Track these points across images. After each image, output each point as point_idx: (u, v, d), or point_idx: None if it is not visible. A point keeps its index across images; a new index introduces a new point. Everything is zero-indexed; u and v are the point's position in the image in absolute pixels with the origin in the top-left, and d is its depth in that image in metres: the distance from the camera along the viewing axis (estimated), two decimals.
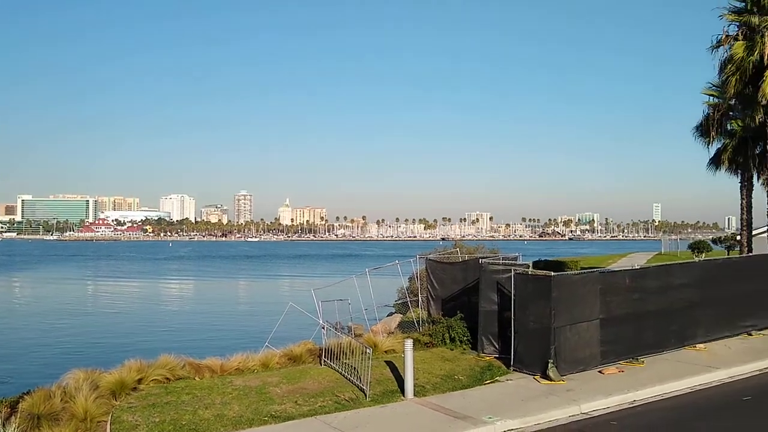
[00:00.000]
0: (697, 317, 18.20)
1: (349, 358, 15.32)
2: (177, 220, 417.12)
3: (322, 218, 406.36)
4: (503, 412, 12.26)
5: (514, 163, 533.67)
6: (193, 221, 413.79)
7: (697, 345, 17.93)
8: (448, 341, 17.56)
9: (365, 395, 13.49)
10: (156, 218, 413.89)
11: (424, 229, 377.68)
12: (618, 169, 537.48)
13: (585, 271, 18.19)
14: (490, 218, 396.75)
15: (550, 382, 14.44)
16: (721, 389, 14.44)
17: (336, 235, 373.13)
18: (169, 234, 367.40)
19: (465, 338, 17.60)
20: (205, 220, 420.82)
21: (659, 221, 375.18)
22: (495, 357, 16.58)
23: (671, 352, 17.23)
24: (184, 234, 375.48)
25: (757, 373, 15.70)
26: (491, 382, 14.75)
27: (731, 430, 11.59)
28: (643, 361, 16.31)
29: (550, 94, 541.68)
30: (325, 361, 15.83)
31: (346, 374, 14.69)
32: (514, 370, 15.56)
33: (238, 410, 12.29)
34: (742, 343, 18.57)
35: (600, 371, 15.44)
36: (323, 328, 17.14)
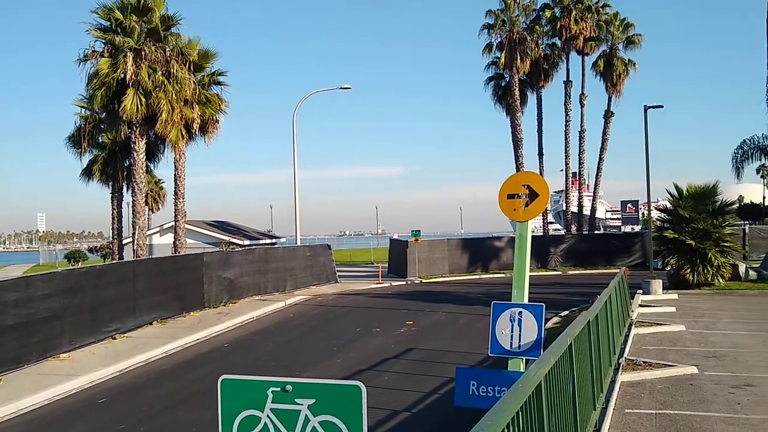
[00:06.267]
0: (62, 327, 18.23)
1: None
2: None
3: None
4: None
5: None
6: None
7: (61, 355, 17.92)
8: None
9: None
10: None
11: None
12: None
13: None
14: None
15: None
16: (81, 395, 14.75)
17: None
18: None
19: None
20: None
21: (44, 231, 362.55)
22: None
23: (33, 365, 16.79)
24: None
25: (117, 374, 16.58)
26: None
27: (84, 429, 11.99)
28: (0, 379, 15.51)
29: None
30: None
31: None
32: None
33: None
34: (106, 347, 19.34)
35: None
36: None
